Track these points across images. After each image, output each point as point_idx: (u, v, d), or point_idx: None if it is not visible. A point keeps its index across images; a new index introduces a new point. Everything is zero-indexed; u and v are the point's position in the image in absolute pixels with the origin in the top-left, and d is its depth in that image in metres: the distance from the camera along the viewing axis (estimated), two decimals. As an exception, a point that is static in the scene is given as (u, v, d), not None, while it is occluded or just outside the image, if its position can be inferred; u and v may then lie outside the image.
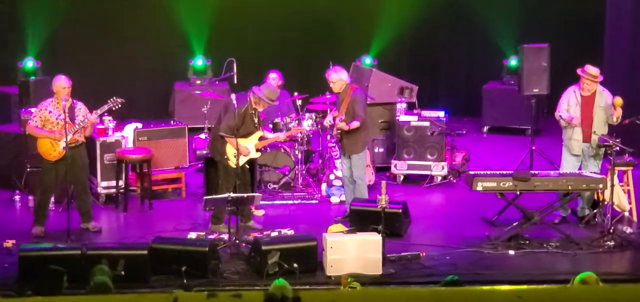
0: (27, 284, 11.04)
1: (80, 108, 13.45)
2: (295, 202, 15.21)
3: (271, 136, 14.47)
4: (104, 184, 15.00)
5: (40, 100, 13.76)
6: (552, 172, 13.63)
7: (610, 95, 13.66)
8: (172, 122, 16.88)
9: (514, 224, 13.29)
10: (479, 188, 13.10)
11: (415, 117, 16.21)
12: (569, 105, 13.71)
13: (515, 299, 3.29)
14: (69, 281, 10.45)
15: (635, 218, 13.95)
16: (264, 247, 11.87)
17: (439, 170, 16.01)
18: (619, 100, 13.54)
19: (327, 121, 14.27)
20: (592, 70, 13.68)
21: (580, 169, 13.67)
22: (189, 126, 16.32)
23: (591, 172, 13.43)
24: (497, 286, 8.31)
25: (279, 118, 15.65)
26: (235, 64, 17.05)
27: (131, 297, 3.18)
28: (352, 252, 11.93)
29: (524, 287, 3.34)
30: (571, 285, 9.38)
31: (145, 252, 11.89)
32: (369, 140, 15.32)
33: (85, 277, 10.12)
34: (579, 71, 13.77)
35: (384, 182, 12.76)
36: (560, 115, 13.72)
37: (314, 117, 15.96)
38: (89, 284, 9.81)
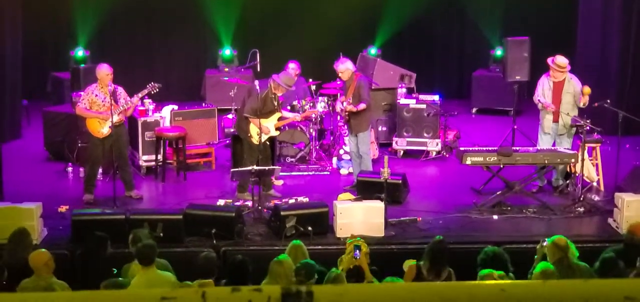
0: (78, 245, 11.14)
1: (121, 92, 13.50)
2: (310, 173, 15.23)
3: (289, 116, 14.50)
4: (145, 157, 15.06)
5: (89, 85, 13.80)
6: (531, 148, 13.67)
7: (579, 82, 13.68)
8: (203, 104, 16.90)
9: (498, 192, 13.33)
10: (468, 162, 13.17)
11: (414, 101, 16.23)
12: (543, 90, 13.77)
13: (499, 292, 3.30)
14: (113, 241, 10.57)
15: (602, 188, 13.99)
16: (282, 213, 11.93)
17: (433, 146, 16.05)
18: (587, 89, 13.56)
19: (338, 107, 14.36)
20: (560, 61, 13.69)
21: (554, 145, 13.74)
22: (218, 108, 16.31)
23: (564, 148, 13.49)
24: (483, 281, 8.35)
25: (296, 101, 15.68)
26: (258, 54, 17.09)
27: (164, 291, 3.21)
28: (358, 217, 11.98)
29: (508, 282, 3.34)
30: (540, 279, 9.34)
31: (181, 216, 11.94)
32: (373, 120, 15.39)
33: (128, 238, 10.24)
34: (549, 61, 13.81)
35: (386, 157, 12.84)
36: (539, 100, 13.77)
37: (326, 101, 15.97)
38: (135, 245, 9.87)
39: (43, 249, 9.58)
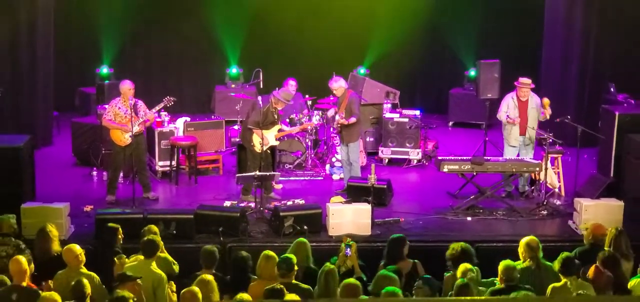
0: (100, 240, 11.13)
1: (141, 105, 13.51)
2: (306, 178, 15.23)
3: (287, 129, 14.51)
4: (161, 163, 15.07)
5: (113, 99, 13.82)
6: (500, 158, 13.68)
7: (538, 98, 13.78)
8: (212, 116, 16.95)
9: (471, 197, 13.38)
10: (445, 169, 13.20)
11: (398, 115, 16.23)
12: (508, 108, 13.82)
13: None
14: (132, 237, 10.55)
15: (563, 193, 14.01)
16: (281, 213, 11.98)
17: (415, 155, 16.04)
18: (547, 100, 13.73)
19: (330, 113, 14.48)
20: (525, 80, 13.82)
21: (518, 155, 13.77)
22: (225, 120, 16.35)
23: (529, 158, 13.56)
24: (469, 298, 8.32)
25: (294, 114, 15.68)
26: (261, 73, 17.10)
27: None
28: (348, 217, 12.03)
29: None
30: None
31: (192, 216, 11.97)
32: (362, 131, 15.38)
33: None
34: (516, 83, 13.91)
35: (373, 164, 12.83)
36: (507, 116, 13.77)
37: (321, 114, 15.98)
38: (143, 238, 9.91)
39: (75, 244, 9.55)
